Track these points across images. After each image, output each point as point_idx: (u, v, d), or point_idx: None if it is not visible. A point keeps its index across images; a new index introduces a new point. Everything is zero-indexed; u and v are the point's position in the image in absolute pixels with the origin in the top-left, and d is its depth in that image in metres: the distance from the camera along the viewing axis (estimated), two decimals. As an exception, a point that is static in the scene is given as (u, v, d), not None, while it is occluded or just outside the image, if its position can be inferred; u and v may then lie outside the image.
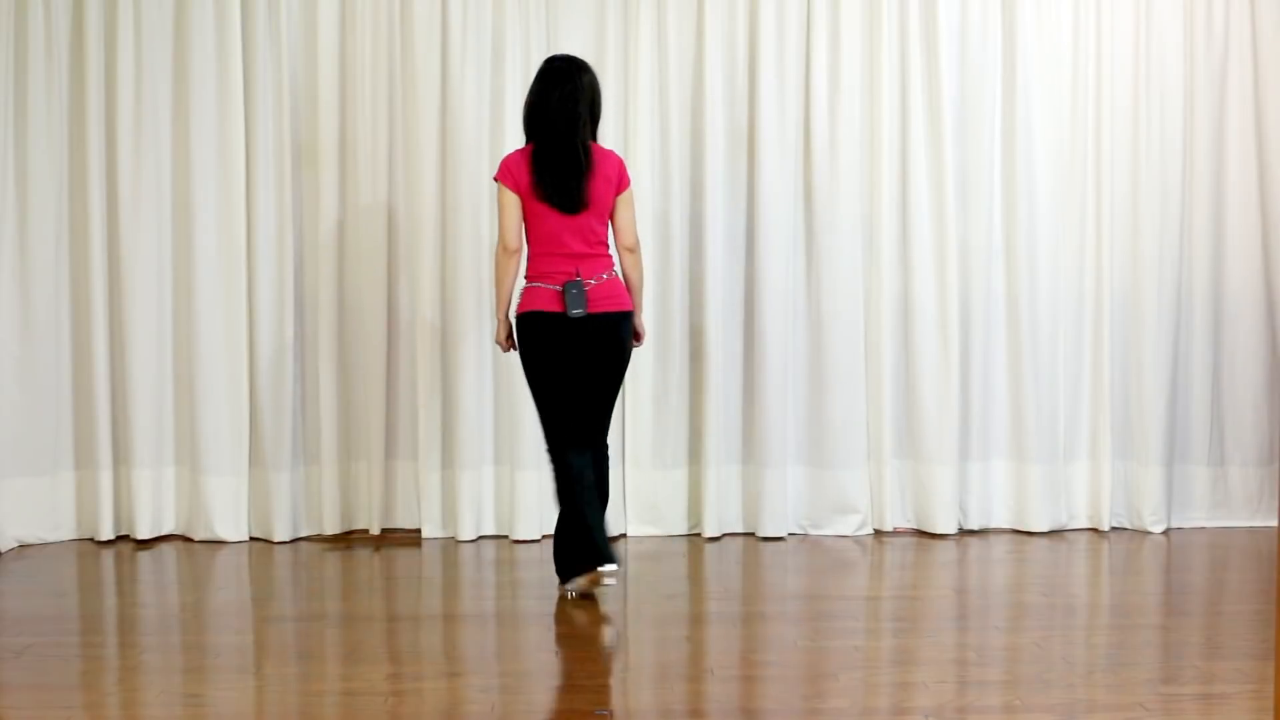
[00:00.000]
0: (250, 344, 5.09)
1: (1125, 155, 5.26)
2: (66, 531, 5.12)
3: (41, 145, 5.02)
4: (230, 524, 5.09)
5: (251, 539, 5.13)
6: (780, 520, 5.17)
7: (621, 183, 4.24)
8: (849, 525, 5.23)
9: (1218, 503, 5.37)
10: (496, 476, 5.19)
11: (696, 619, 4.05)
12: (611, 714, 3.19)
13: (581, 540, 4.17)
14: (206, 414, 5.06)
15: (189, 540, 5.12)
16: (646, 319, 5.11)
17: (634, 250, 4.27)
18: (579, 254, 4.17)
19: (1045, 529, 5.23)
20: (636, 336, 4.36)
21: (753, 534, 5.20)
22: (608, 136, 5.12)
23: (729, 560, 4.87)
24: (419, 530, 5.20)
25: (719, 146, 5.15)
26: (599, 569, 4.15)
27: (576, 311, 4.11)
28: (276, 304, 5.09)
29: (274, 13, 5.06)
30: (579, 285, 4.13)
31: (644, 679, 3.50)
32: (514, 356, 4.62)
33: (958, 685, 3.38)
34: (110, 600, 4.47)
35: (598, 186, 4.17)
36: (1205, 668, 3.52)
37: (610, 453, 4.40)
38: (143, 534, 5.07)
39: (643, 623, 4.05)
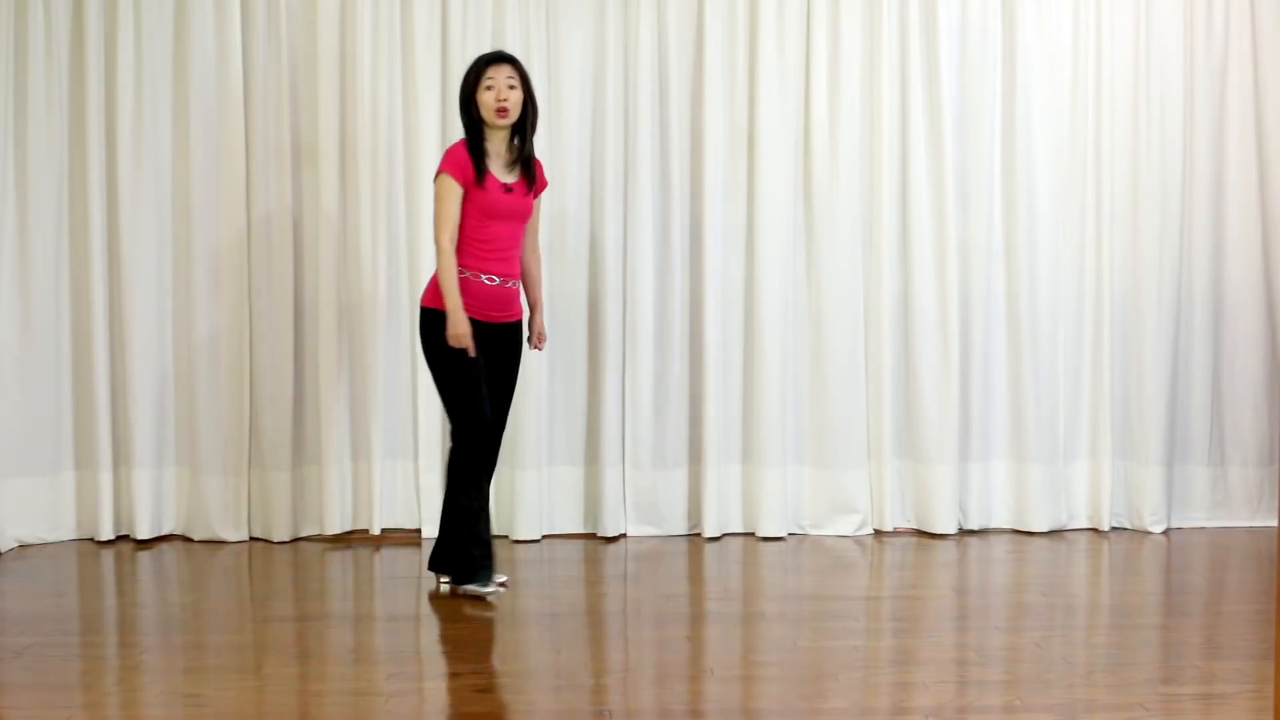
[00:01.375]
0: (250, 344, 5.08)
1: (1125, 155, 5.26)
2: (66, 531, 5.12)
3: (41, 145, 5.02)
4: (230, 524, 5.09)
5: (251, 539, 5.13)
6: (780, 520, 5.17)
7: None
8: (849, 525, 5.22)
9: (1218, 503, 5.37)
10: (496, 477, 5.17)
11: (696, 619, 4.05)
12: (611, 714, 3.19)
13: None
14: (206, 414, 5.06)
15: (189, 540, 5.12)
16: (635, 323, 5.12)
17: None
18: None
19: (1045, 529, 5.23)
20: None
21: (753, 534, 5.20)
22: (608, 136, 5.13)
23: (729, 560, 4.87)
24: (419, 530, 5.20)
25: (719, 146, 5.15)
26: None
27: None
28: (276, 304, 5.09)
29: (274, 13, 5.06)
30: None
31: (644, 679, 3.50)
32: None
33: (958, 685, 3.38)
34: (110, 600, 4.47)
35: None
36: (1205, 668, 3.52)
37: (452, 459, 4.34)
38: (143, 534, 5.06)
39: (643, 623, 4.05)
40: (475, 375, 4.21)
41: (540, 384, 5.07)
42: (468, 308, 4.16)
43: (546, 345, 4.73)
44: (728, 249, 5.18)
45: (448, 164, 4.18)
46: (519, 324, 4.41)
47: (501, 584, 4.36)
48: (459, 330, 4.13)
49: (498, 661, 3.66)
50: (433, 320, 4.20)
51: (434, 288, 4.22)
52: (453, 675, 3.52)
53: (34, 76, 5.00)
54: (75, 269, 5.09)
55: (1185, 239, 5.28)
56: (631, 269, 5.14)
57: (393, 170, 5.11)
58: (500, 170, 4.26)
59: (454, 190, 4.16)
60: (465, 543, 4.26)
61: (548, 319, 4.83)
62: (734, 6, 5.16)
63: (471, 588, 4.25)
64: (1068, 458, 5.30)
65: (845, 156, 5.17)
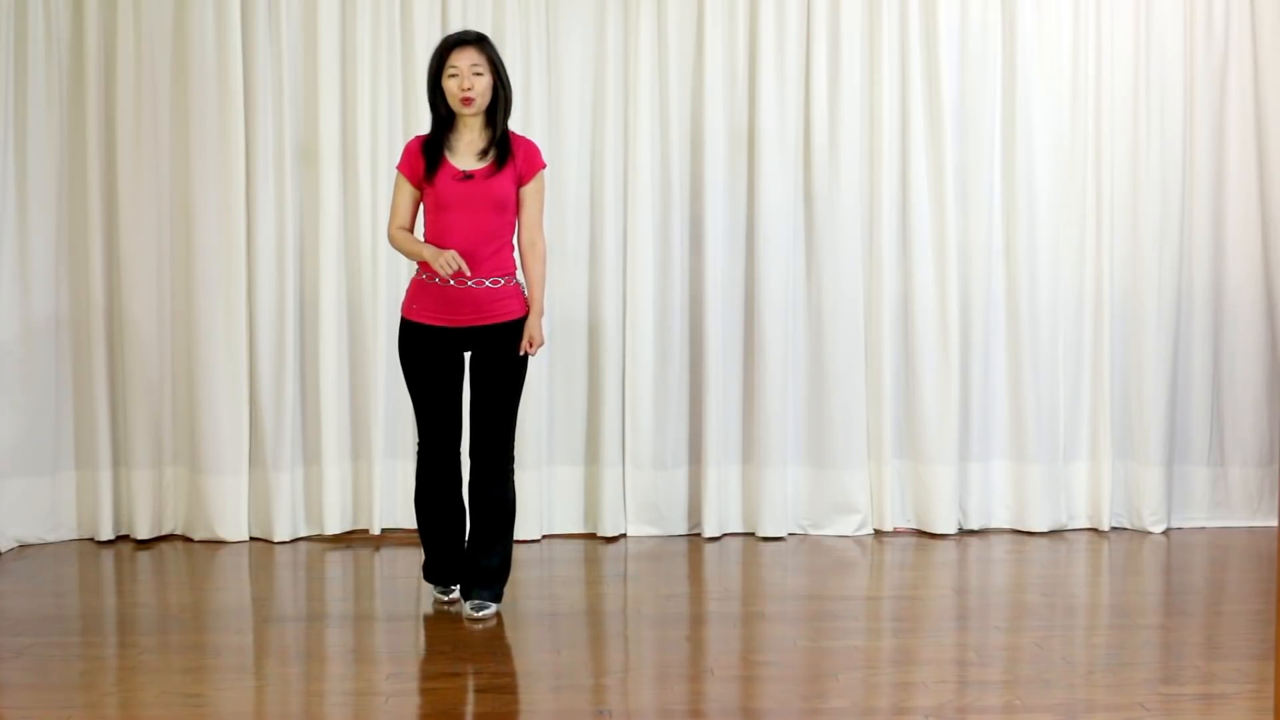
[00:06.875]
0: (250, 344, 5.08)
1: (1125, 155, 5.26)
2: (66, 531, 5.12)
3: (41, 145, 5.02)
4: (230, 524, 5.08)
5: (251, 539, 5.12)
6: (780, 520, 5.17)
7: None
8: (849, 525, 5.22)
9: (1218, 503, 5.36)
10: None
11: (696, 619, 4.05)
12: (611, 714, 3.20)
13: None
14: (206, 414, 5.05)
15: (189, 540, 5.12)
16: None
17: None
18: None
19: (1045, 529, 5.22)
20: None
21: (753, 534, 5.19)
22: (608, 136, 5.12)
23: (729, 560, 4.87)
24: (418, 530, 5.19)
25: (719, 146, 5.15)
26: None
27: None
28: (276, 304, 5.09)
29: (274, 12, 5.06)
30: None
31: (644, 679, 3.51)
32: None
33: (958, 685, 3.38)
34: (110, 600, 4.47)
35: None
36: (1205, 668, 3.52)
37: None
38: (143, 534, 5.06)
39: (643, 623, 4.05)
40: (424, 391, 4.04)
41: (540, 384, 5.06)
42: (426, 313, 3.97)
43: (544, 348, 4.63)
44: (728, 249, 5.18)
45: (401, 160, 4.07)
46: (510, 325, 3.99)
47: (447, 598, 4.27)
48: (442, 259, 3.84)
49: (497, 661, 3.66)
50: (400, 329, 4.07)
51: (406, 297, 4.07)
52: (453, 675, 3.52)
53: (34, 76, 5.00)
54: (75, 269, 5.09)
55: (1185, 239, 5.28)
56: (631, 269, 5.14)
57: (393, 170, 5.10)
58: (468, 158, 3.96)
59: (401, 186, 4.05)
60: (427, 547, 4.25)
61: (549, 322, 4.80)
62: (734, 6, 5.16)
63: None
64: (1068, 458, 5.30)
65: (845, 157, 5.17)
